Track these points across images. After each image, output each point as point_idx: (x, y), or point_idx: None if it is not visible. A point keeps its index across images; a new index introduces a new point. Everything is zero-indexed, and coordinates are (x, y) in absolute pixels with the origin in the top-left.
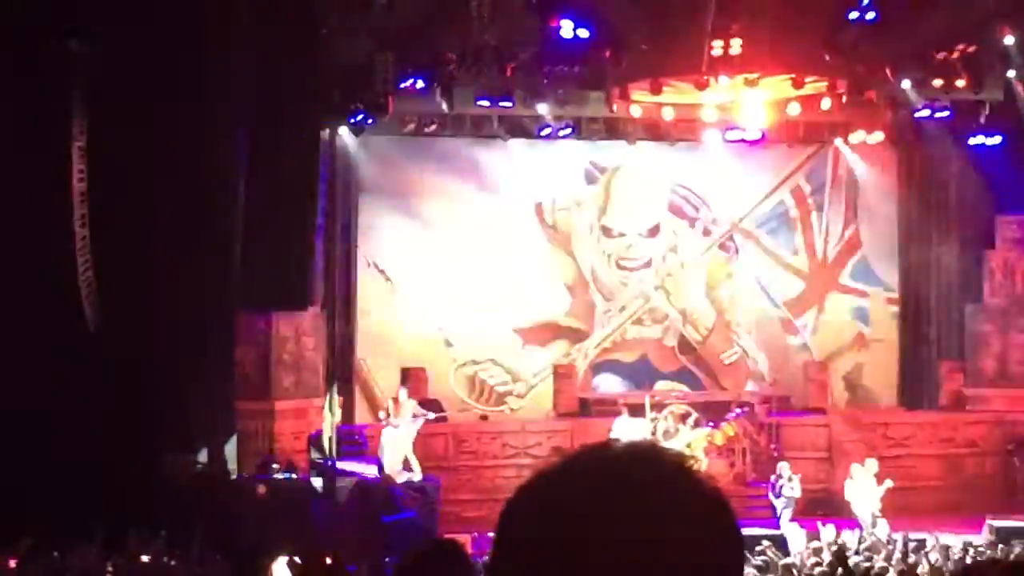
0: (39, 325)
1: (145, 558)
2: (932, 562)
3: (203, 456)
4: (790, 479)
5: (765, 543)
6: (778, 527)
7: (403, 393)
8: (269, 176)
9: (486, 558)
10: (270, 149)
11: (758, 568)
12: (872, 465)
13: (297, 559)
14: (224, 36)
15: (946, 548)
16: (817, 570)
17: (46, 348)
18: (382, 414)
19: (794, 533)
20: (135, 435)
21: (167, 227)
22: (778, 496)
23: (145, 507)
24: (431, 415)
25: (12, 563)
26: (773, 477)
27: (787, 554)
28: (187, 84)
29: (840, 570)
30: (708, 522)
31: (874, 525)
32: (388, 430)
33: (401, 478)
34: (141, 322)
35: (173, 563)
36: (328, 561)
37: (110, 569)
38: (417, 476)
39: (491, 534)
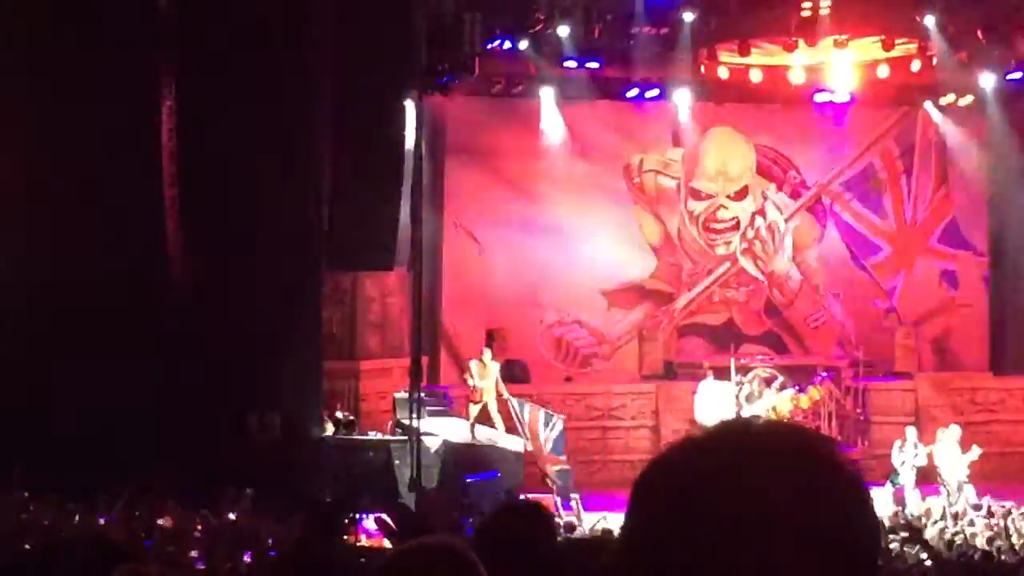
0: (128, 283)
1: (232, 516)
2: (1020, 528)
3: (290, 415)
4: (916, 446)
5: None
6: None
7: (487, 354)
8: (356, 136)
9: (570, 519)
10: (357, 109)
11: None
12: (955, 431)
13: (386, 517)
14: None
15: None
16: (900, 534)
17: (134, 306)
18: (469, 380)
19: (914, 500)
20: (222, 394)
21: (255, 186)
22: (903, 463)
23: (233, 466)
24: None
25: (101, 520)
26: (899, 442)
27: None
28: (276, 45)
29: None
30: (847, 505)
31: (960, 491)
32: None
33: (484, 438)
34: (229, 281)
35: (258, 521)
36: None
37: (198, 527)
38: (500, 436)
39: (573, 495)
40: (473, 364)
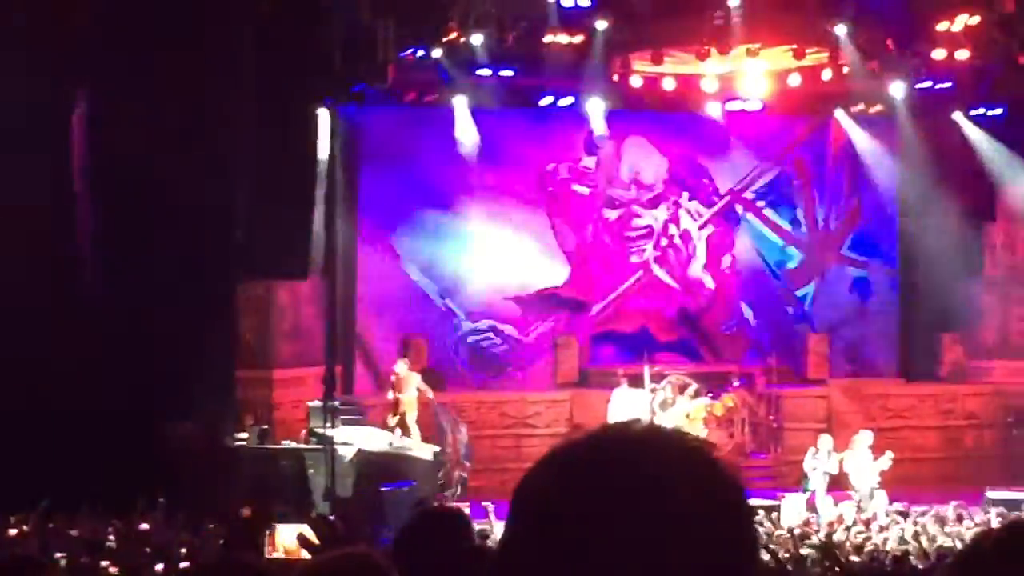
0: (40, 292)
1: (145, 526)
2: (929, 533)
3: (203, 424)
4: (830, 454)
5: (760, 513)
6: (775, 497)
7: (402, 366)
8: (271, 145)
9: (485, 526)
10: (272, 118)
11: None
12: (867, 437)
13: (306, 531)
14: (226, 5)
15: (942, 519)
16: (810, 540)
17: (47, 316)
18: (390, 394)
19: (826, 507)
20: (135, 402)
21: (169, 195)
22: (813, 469)
23: (146, 475)
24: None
25: (12, 532)
26: (812, 449)
27: (780, 525)
28: (189, 53)
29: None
30: (719, 511)
31: (872, 497)
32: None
33: (399, 447)
34: (142, 290)
35: (171, 531)
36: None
37: (111, 537)
38: (414, 445)
39: (487, 503)
40: (393, 377)
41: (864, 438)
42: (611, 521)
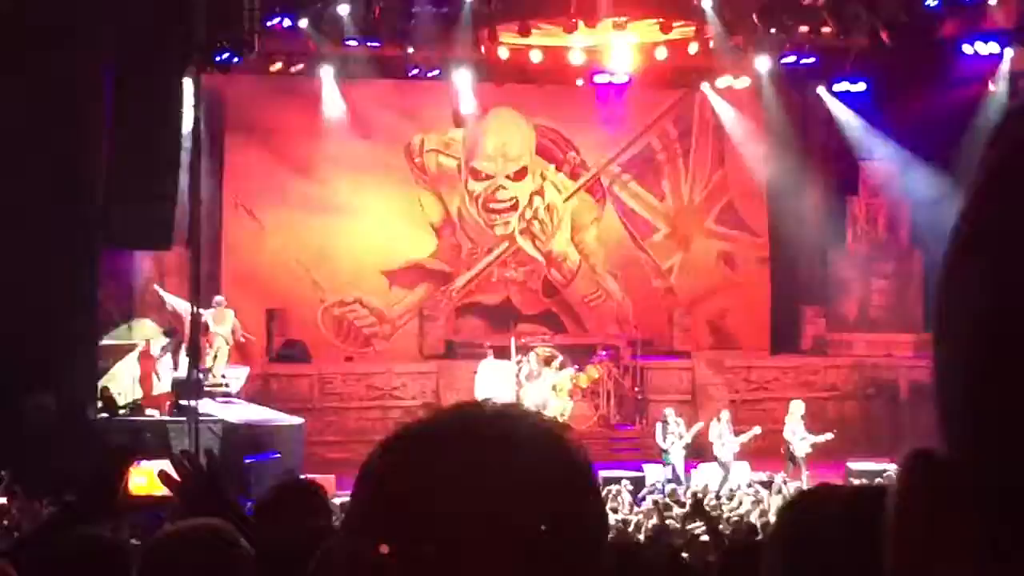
0: None
1: (2, 500)
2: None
3: (62, 397)
4: (677, 423)
5: (624, 483)
6: (640, 469)
7: (220, 308)
8: (133, 114)
9: (345, 499)
10: (134, 86)
11: (612, 509)
12: (798, 407)
13: (169, 469)
14: None
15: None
16: (672, 511)
17: None
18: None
19: (689, 477)
20: None
21: (30, 164)
22: (672, 443)
23: (4, 447)
24: None
25: None
26: (660, 424)
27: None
28: (49, 19)
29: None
30: (565, 495)
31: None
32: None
33: (263, 418)
34: (2, 260)
35: (30, 504)
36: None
37: None
38: (279, 416)
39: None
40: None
41: (797, 408)
42: (454, 508)
